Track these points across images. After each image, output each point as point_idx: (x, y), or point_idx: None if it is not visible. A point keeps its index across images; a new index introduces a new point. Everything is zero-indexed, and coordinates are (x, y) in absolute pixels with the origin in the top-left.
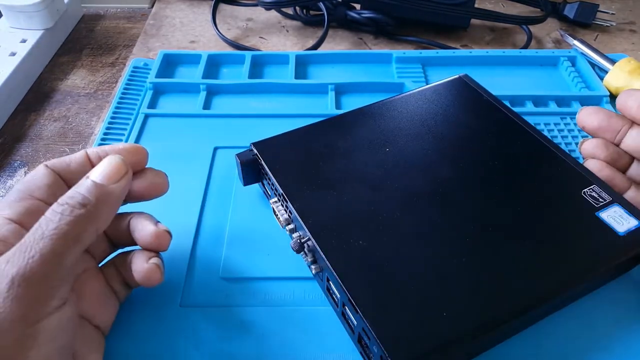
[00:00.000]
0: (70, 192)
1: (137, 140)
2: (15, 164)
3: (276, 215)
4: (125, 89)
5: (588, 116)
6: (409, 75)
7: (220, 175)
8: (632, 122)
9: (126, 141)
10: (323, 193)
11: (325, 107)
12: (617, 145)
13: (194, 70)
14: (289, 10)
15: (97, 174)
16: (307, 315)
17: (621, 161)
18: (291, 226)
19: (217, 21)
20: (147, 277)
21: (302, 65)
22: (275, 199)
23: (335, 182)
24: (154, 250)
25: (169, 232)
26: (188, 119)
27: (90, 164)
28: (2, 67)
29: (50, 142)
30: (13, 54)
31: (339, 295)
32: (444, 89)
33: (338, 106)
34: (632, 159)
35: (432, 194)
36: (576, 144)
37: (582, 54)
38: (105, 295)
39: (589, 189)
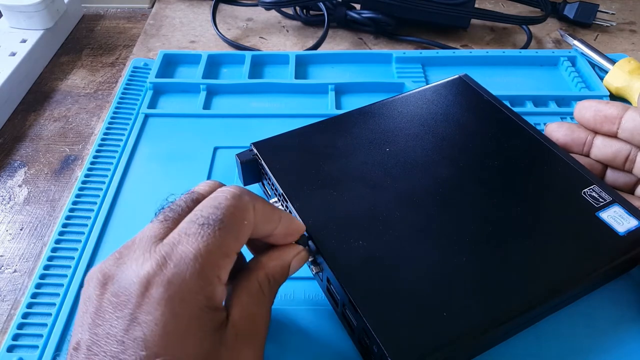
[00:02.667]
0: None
1: (137, 140)
2: (15, 164)
3: None
4: (125, 89)
5: (553, 132)
6: (409, 75)
7: (220, 175)
8: (595, 132)
9: (126, 141)
10: (323, 193)
11: (325, 107)
12: (587, 156)
13: (194, 70)
14: (289, 10)
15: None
16: (307, 315)
17: (595, 171)
18: None
19: (217, 21)
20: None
21: (302, 65)
22: (275, 198)
23: (335, 182)
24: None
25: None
26: (188, 119)
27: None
28: (2, 67)
29: (50, 142)
30: (13, 54)
31: (339, 296)
32: (444, 89)
33: (338, 106)
34: (606, 167)
35: (432, 193)
36: None
37: (582, 54)
38: None
39: (589, 189)
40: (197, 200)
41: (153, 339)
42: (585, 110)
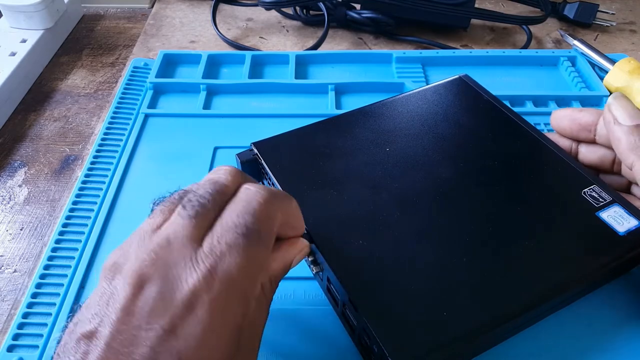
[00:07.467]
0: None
1: (137, 140)
2: (15, 164)
3: None
4: (125, 89)
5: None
6: (409, 75)
7: None
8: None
9: (126, 141)
10: (323, 193)
11: (325, 107)
12: None
13: (194, 70)
14: (289, 10)
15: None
16: (307, 315)
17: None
18: None
19: (217, 21)
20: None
21: (302, 65)
22: None
23: (335, 182)
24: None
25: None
26: (188, 119)
27: None
28: (2, 67)
29: (50, 142)
30: (13, 54)
31: (339, 296)
32: (444, 89)
33: (338, 106)
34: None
35: (432, 193)
36: None
37: (582, 54)
38: None
39: (589, 189)
40: (222, 192)
41: (188, 352)
42: (561, 119)
